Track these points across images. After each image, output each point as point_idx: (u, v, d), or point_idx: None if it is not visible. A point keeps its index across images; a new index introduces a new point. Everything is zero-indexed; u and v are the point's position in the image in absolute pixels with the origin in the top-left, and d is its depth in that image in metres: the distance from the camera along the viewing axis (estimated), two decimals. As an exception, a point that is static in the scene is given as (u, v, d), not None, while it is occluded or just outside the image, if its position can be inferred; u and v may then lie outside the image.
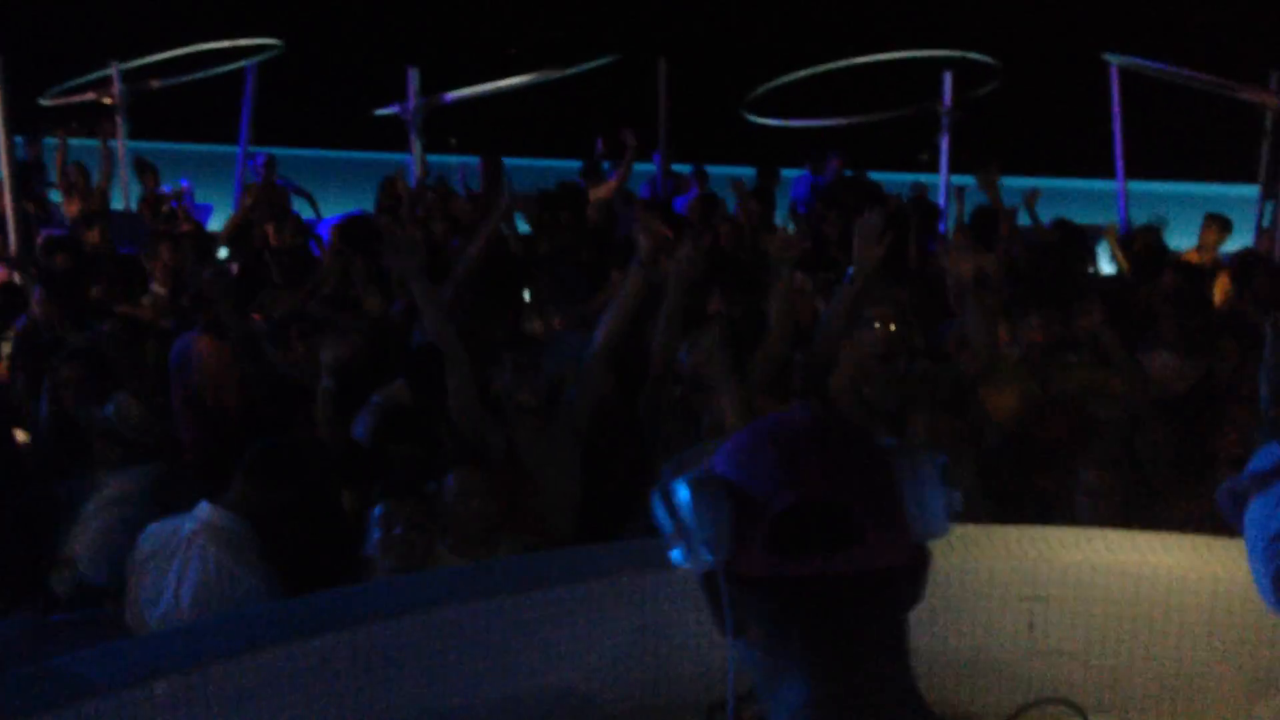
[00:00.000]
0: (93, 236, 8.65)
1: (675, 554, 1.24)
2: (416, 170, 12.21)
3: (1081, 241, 8.89)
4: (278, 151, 13.79)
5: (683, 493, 1.21)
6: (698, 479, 1.22)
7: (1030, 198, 9.14)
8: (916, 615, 1.23)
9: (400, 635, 2.26)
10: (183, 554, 3.56)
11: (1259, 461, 1.44)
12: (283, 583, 3.57)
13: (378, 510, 3.50)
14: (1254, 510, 1.59)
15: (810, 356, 4.71)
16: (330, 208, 12.01)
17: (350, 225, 8.00)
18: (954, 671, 2.50)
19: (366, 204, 11.16)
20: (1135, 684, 2.57)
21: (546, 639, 2.41)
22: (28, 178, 12.07)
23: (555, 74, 13.81)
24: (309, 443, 4.39)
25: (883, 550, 1.18)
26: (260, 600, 3.42)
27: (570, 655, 2.43)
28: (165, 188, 13.07)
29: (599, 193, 10.81)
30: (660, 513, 1.26)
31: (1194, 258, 9.38)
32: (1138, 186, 13.88)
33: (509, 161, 11.91)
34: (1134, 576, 2.53)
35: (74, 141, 12.63)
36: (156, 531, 3.68)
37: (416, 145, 12.99)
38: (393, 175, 11.10)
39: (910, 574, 1.21)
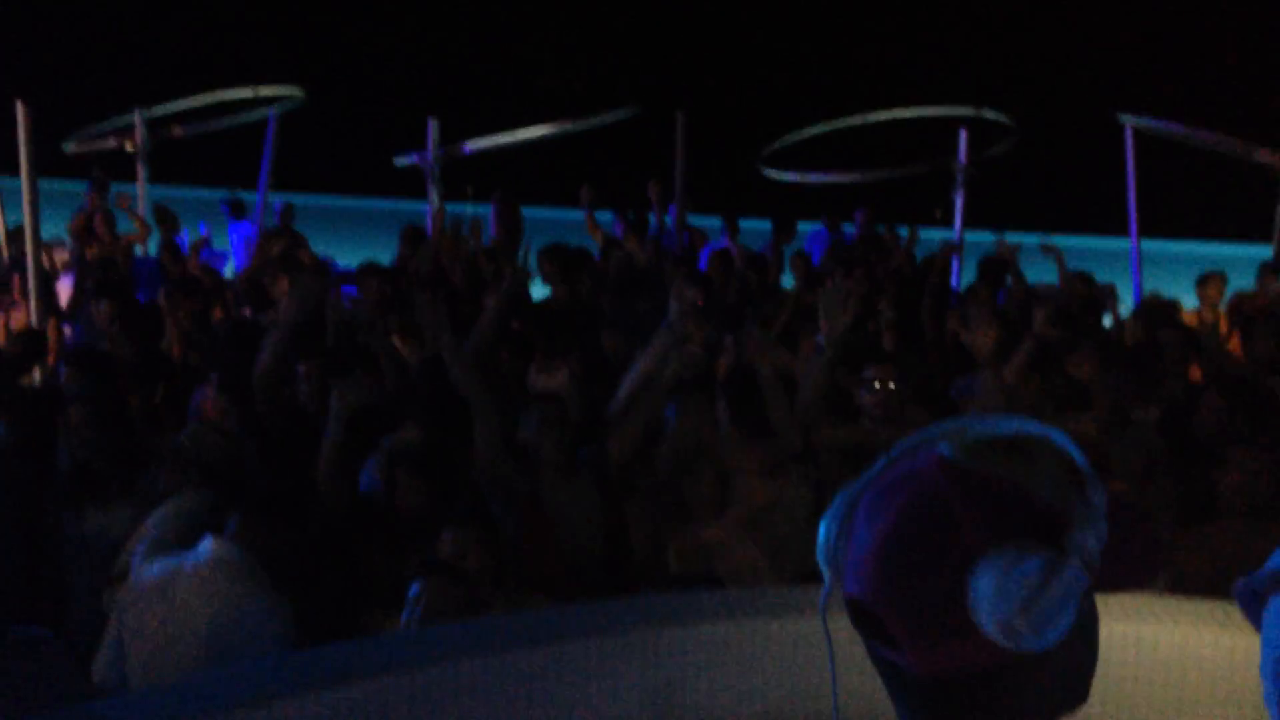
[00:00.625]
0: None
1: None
2: (434, 220, 12.29)
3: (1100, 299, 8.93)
4: (297, 199, 13.93)
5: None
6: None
7: (1053, 251, 9.20)
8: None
9: (413, 689, 2.27)
10: (190, 589, 3.57)
11: (1277, 560, 1.43)
12: (291, 614, 3.59)
13: (414, 589, 3.44)
14: (1271, 613, 1.58)
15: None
16: (350, 255, 12.07)
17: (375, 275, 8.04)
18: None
19: (385, 252, 11.25)
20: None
21: (558, 695, 2.41)
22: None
23: (575, 126, 13.94)
24: (308, 487, 4.39)
25: (923, 657, 1.14)
26: (270, 628, 3.44)
27: (581, 713, 2.43)
28: (184, 234, 13.21)
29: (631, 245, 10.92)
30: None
31: (1194, 318, 9.40)
32: (1151, 245, 13.92)
33: (526, 212, 12.00)
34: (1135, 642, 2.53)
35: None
36: (155, 571, 3.68)
37: (435, 194, 13.09)
38: (418, 225, 11.16)
39: (981, 682, 1.13)
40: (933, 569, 1.07)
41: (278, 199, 14.55)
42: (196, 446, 4.57)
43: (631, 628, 2.45)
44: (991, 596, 1.04)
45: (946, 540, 1.08)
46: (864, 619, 1.12)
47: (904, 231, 12.39)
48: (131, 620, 3.62)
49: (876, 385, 5.01)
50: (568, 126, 13.99)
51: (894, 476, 1.14)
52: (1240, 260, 12.72)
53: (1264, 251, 13.32)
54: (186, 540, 3.78)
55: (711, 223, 14.11)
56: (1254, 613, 1.45)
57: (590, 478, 4.56)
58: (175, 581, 3.60)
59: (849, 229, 13.79)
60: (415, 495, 4.26)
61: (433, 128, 13.00)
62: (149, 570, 3.69)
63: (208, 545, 3.62)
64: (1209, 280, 9.78)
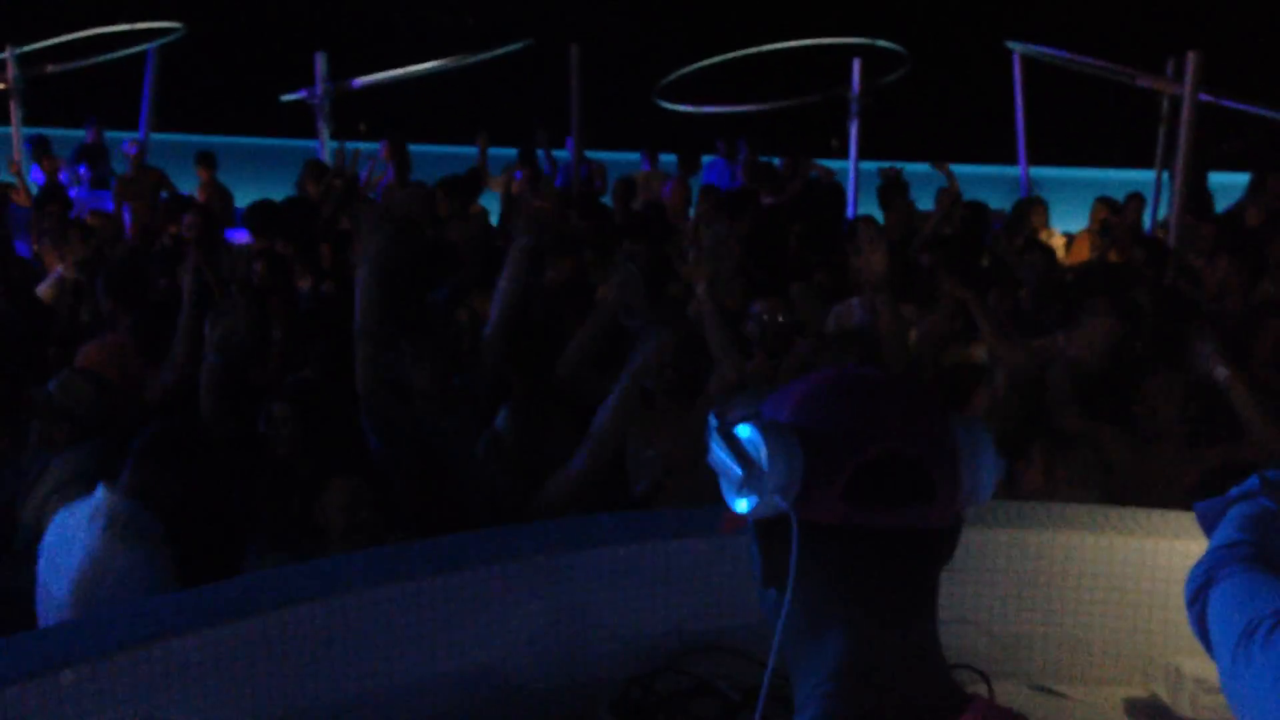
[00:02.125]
0: None
1: (736, 499, 1.23)
2: (325, 156, 12.04)
3: (985, 224, 9.12)
4: (182, 138, 13.54)
5: (753, 436, 1.21)
6: (771, 423, 1.21)
7: (941, 167, 9.35)
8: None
9: (316, 620, 2.25)
10: (61, 541, 3.49)
11: (1239, 491, 1.49)
12: (177, 566, 3.49)
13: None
14: (1224, 519, 1.65)
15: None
16: (240, 195, 11.78)
17: (268, 210, 7.89)
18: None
19: (275, 190, 11.00)
20: (1036, 650, 2.64)
21: (466, 620, 2.41)
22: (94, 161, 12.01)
23: (467, 59, 13.72)
24: (199, 428, 4.28)
25: (944, 510, 1.21)
26: (141, 581, 3.33)
27: (488, 636, 2.44)
28: (63, 175, 12.78)
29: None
30: (722, 455, 1.24)
31: (1085, 238, 9.64)
32: (1039, 172, 14.19)
33: (418, 148, 11.83)
34: (1035, 546, 2.61)
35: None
36: (64, 518, 3.60)
37: (325, 131, 12.81)
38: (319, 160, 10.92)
39: (951, 536, 1.24)
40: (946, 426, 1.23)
41: (161, 139, 14.12)
42: (66, 397, 4.43)
43: (535, 552, 2.46)
44: (990, 464, 1.24)
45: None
46: (877, 483, 1.19)
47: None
48: (43, 571, 3.55)
49: (765, 318, 5.05)
50: (460, 60, 13.77)
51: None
52: (1125, 184, 13.01)
53: (1147, 175, 13.66)
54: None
55: (608, 156, 14.04)
56: (1211, 528, 1.52)
57: (470, 408, 4.50)
58: (65, 526, 3.54)
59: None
60: (287, 434, 4.17)
61: (320, 62, 12.69)
62: (52, 524, 3.62)
63: (99, 494, 3.53)
64: (1101, 206, 9.99)
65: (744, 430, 1.23)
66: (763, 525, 1.23)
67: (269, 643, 2.20)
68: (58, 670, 1.96)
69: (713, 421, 1.28)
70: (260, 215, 7.80)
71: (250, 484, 4.07)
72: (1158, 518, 2.68)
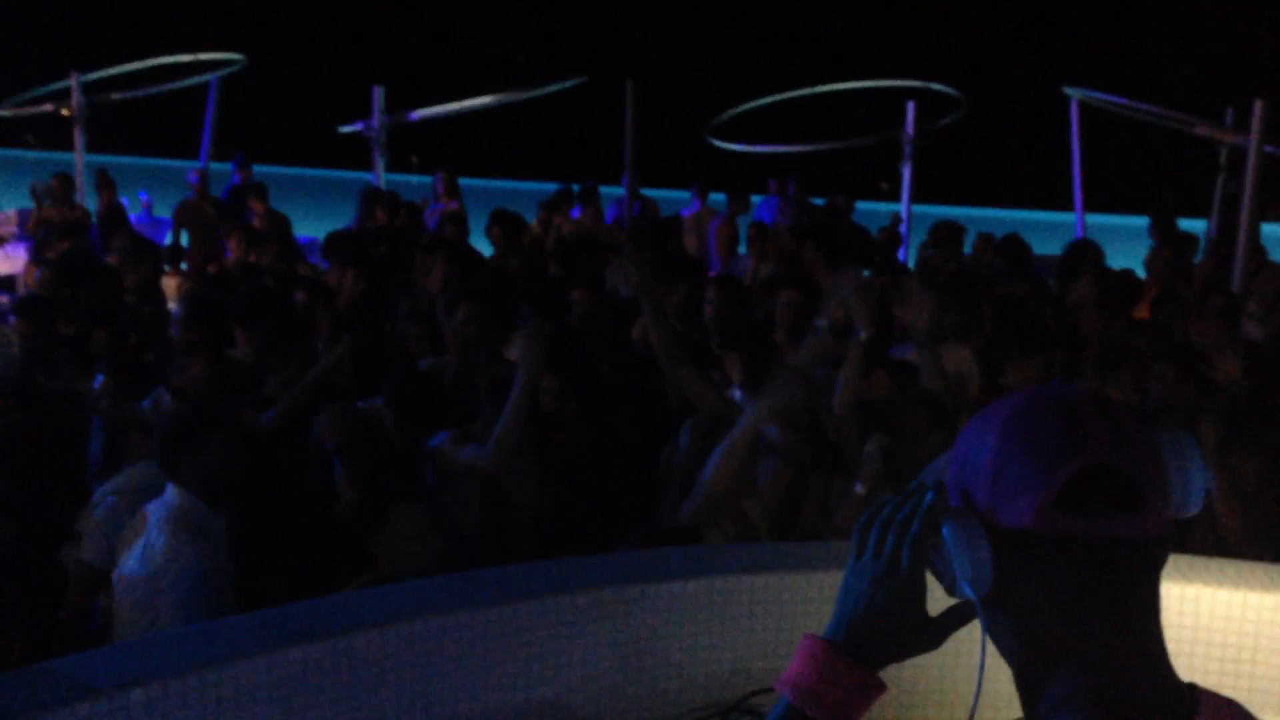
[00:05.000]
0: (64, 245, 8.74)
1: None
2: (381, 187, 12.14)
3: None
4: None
5: (944, 530, 1.27)
6: (960, 520, 1.26)
7: None
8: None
9: (383, 646, 2.22)
10: (128, 536, 3.65)
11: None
12: (237, 565, 3.65)
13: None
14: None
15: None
16: (296, 227, 11.90)
17: (341, 240, 7.99)
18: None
19: (330, 221, 11.08)
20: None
21: (532, 651, 2.37)
22: (239, 201, 12.00)
23: (521, 95, 13.82)
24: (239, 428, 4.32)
25: (1155, 518, 1.23)
26: (195, 575, 3.46)
27: (551, 670, 2.40)
28: (123, 200, 12.96)
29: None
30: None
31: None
32: (1095, 219, 14.07)
33: (470, 182, 11.90)
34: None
35: (31, 154, 12.49)
36: (142, 513, 3.69)
37: (380, 163, 12.93)
38: (375, 189, 10.99)
39: (1164, 545, 1.25)
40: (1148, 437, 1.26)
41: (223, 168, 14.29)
42: (159, 413, 4.52)
43: (601, 584, 2.42)
44: (1198, 472, 1.28)
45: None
46: (1088, 494, 1.21)
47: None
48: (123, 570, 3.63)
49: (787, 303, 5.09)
50: (515, 95, 13.88)
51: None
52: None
53: (1203, 225, 13.51)
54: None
55: (660, 194, 14.06)
56: None
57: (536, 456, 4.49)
58: (125, 531, 3.68)
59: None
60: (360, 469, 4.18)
61: (378, 95, 12.84)
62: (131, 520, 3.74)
63: (167, 493, 3.63)
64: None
65: (943, 528, 1.27)
66: (997, 535, 1.25)
67: (333, 669, 2.17)
68: (128, 689, 1.94)
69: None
70: (339, 245, 7.91)
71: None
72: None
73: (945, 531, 1.26)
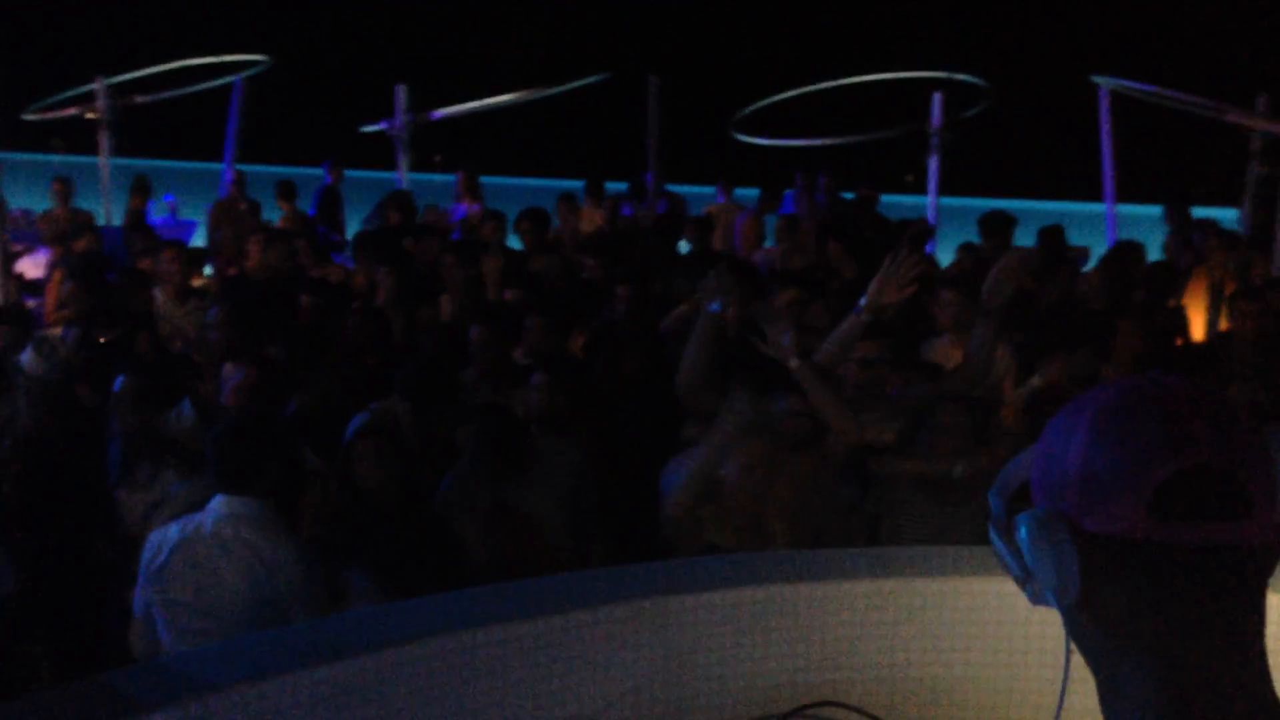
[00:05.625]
0: (79, 245, 8.77)
1: (1026, 591, 1.22)
2: (404, 185, 12.12)
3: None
4: (263, 169, 13.69)
5: (1026, 535, 1.17)
6: (1046, 521, 1.15)
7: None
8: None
9: (412, 663, 2.17)
10: (213, 554, 3.49)
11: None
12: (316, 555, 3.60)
13: None
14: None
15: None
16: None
17: (374, 239, 8.00)
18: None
19: (354, 220, 11.07)
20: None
21: (565, 667, 2.31)
22: (330, 204, 12.00)
23: (545, 92, 13.77)
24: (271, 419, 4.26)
25: (1265, 526, 1.12)
26: (300, 572, 3.45)
27: (589, 684, 2.34)
28: (150, 205, 12.97)
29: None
30: (999, 548, 1.24)
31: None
32: (1126, 209, 13.89)
33: (495, 180, 11.86)
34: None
35: (59, 158, 12.51)
36: (174, 537, 3.57)
37: (404, 162, 12.92)
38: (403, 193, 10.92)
39: (1272, 554, 1.15)
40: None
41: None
42: (178, 427, 4.48)
43: (640, 595, 2.36)
44: None
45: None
46: (1193, 498, 1.11)
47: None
48: (162, 591, 3.52)
49: (861, 359, 4.78)
50: (538, 92, 13.83)
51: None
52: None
53: (1233, 214, 13.34)
54: None
55: (685, 189, 13.98)
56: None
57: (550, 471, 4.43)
58: (196, 548, 3.51)
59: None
60: (370, 472, 4.12)
61: (401, 94, 12.82)
62: (167, 534, 3.58)
63: (218, 502, 3.53)
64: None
65: (1021, 527, 1.18)
66: (1084, 540, 1.15)
67: (364, 686, 2.12)
68: (149, 711, 1.90)
69: (994, 505, 1.26)
70: (367, 245, 7.91)
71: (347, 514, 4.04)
72: None
73: (1025, 535, 1.17)
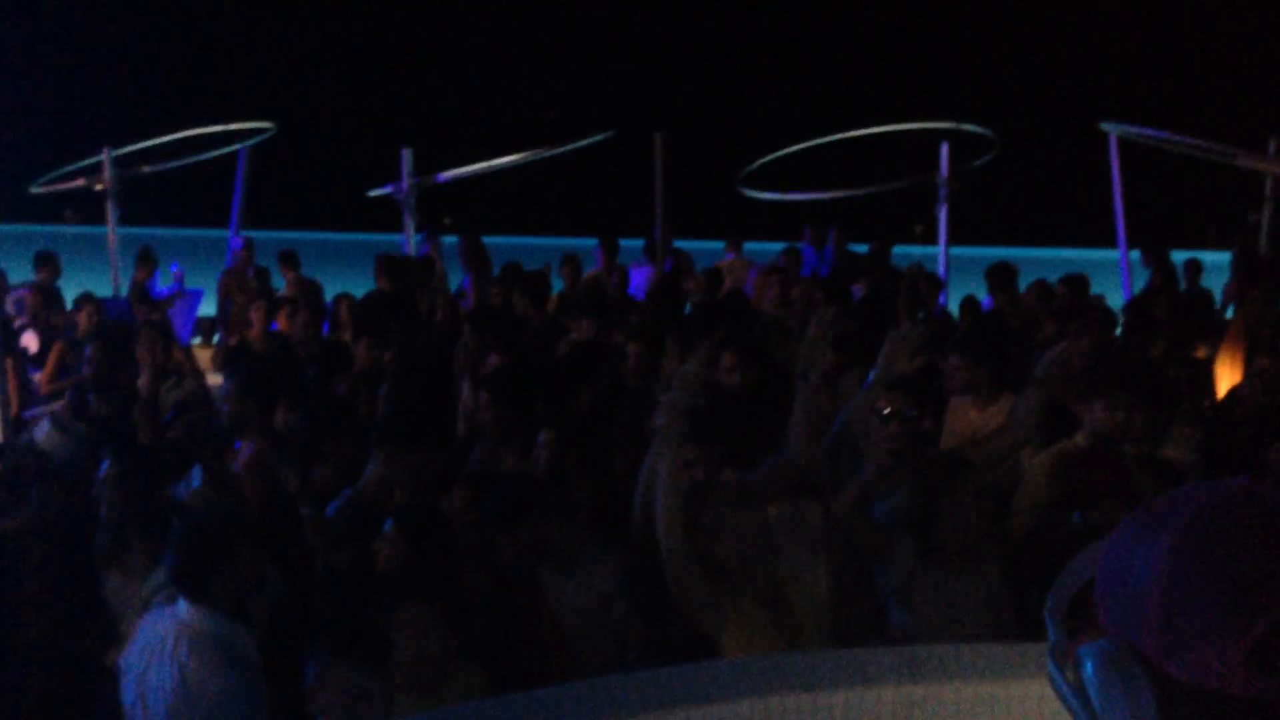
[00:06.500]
0: (83, 318, 8.81)
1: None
2: (411, 250, 12.04)
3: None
4: (270, 235, 13.66)
5: (1094, 675, 0.98)
6: (1110, 656, 0.97)
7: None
8: None
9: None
10: (158, 657, 3.28)
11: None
12: (271, 680, 3.31)
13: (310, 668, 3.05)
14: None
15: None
16: (330, 291, 11.79)
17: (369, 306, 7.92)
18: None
19: (362, 286, 10.96)
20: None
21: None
22: (424, 274, 11.87)
23: (550, 151, 13.73)
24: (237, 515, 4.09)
25: None
26: (230, 710, 3.16)
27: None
28: (156, 274, 12.91)
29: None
30: (1060, 685, 1.04)
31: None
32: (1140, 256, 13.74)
33: (503, 240, 11.76)
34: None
35: (69, 229, 12.49)
36: (146, 628, 3.40)
37: (410, 225, 12.86)
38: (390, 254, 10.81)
39: None
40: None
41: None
42: (193, 499, 4.33)
43: (650, 707, 2.18)
44: None
45: None
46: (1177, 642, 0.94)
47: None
48: (132, 686, 3.36)
49: (888, 412, 4.59)
50: (544, 152, 13.79)
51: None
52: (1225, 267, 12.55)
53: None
54: None
55: (693, 245, 13.88)
56: None
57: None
58: (149, 650, 3.31)
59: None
60: (388, 554, 3.95)
61: (407, 158, 12.79)
62: (143, 624, 3.44)
63: (181, 609, 3.34)
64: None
65: (1087, 663, 0.99)
66: (1165, 687, 0.96)
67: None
68: None
69: (1052, 632, 1.06)
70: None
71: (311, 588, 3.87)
72: None
73: (1092, 673, 0.98)
